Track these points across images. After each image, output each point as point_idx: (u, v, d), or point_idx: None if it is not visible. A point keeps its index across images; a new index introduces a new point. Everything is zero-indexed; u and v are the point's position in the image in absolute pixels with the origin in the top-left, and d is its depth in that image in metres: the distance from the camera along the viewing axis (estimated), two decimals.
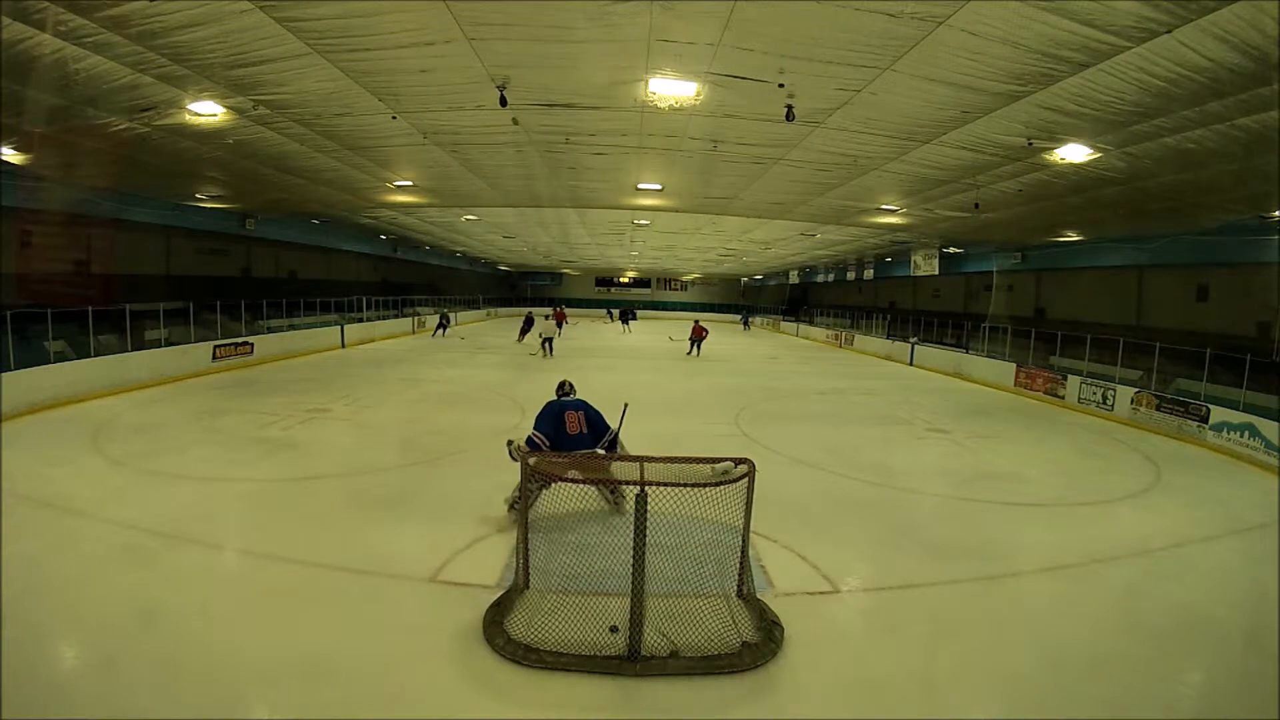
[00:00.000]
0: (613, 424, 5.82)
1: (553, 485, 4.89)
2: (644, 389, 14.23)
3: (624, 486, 5.03)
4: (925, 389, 16.82)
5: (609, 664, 3.79)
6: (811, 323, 35.23)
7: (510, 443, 5.57)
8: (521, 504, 4.54)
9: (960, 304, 24.08)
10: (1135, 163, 8.51)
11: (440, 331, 25.69)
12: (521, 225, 21.56)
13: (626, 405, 5.88)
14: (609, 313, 44.36)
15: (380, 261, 29.16)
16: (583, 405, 5.68)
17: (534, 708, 3.49)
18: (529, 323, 25.26)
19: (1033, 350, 16.91)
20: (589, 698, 3.58)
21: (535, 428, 5.56)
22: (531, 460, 4.59)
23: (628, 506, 5.13)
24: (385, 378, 15.13)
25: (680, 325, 36.41)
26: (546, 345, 20.13)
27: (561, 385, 6.14)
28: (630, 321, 34.84)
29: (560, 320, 26.32)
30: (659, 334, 31.25)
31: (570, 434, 5.44)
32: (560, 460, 5.04)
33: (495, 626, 4.06)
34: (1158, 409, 12.04)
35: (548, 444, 5.38)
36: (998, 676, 3.97)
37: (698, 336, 22.40)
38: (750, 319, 43.43)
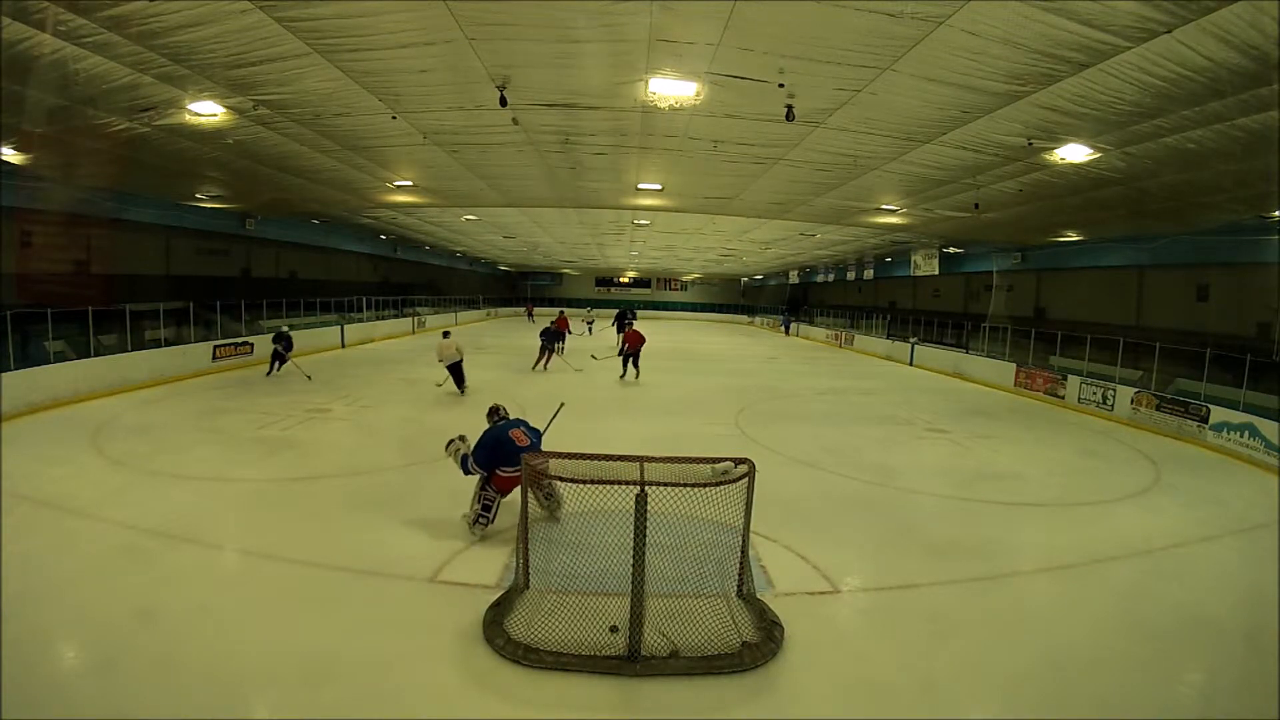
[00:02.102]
0: (547, 428, 6.34)
1: (510, 494, 5.49)
2: (644, 389, 14.23)
3: (560, 496, 5.67)
4: (925, 389, 16.82)
5: (609, 664, 3.79)
6: (812, 323, 34.85)
7: (451, 443, 6.00)
8: (522, 505, 4.54)
9: (960, 304, 24.06)
10: (1135, 163, 8.51)
11: (275, 366, 14.30)
12: (521, 225, 21.56)
13: (562, 405, 6.89)
14: (590, 313, 37.36)
15: (380, 261, 29.16)
16: (520, 422, 5.97)
17: (534, 708, 3.49)
18: (551, 338, 17.70)
19: (1033, 350, 16.91)
20: (589, 698, 3.58)
21: (475, 457, 5.68)
22: (535, 462, 4.62)
23: (561, 513, 5.72)
24: (385, 378, 15.12)
25: (668, 328, 32.75)
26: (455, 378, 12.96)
27: (496, 410, 6.25)
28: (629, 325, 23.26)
29: (563, 329, 19.81)
30: (659, 335, 30.68)
31: (520, 446, 5.62)
32: (514, 475, 5.37)
33: (495, 626, 4.06)
34: (1158, 409, 12.04)
35: (484, 473, 5.63)
36: (998, 676, 3.97)
37: (633, 349, 15.81)
38: (792, 321, 36.50)
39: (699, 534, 4.38)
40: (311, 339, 19.55)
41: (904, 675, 3.91)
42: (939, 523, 6.57)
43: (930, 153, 9.05)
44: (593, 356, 19.89)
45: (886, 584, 5.14)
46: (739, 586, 4.50)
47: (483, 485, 5.66)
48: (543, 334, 17.63)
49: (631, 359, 15.88)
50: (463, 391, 12.55)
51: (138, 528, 5.61)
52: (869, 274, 26.98)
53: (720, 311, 49.03)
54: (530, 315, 41.25)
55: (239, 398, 11.83)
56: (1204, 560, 5.98)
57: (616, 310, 29.58)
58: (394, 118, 8.39)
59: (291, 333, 14.82)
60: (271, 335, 14.74)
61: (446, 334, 13.34)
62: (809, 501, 7.01)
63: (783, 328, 37.21)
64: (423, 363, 18.24)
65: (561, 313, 22.89)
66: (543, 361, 17.29)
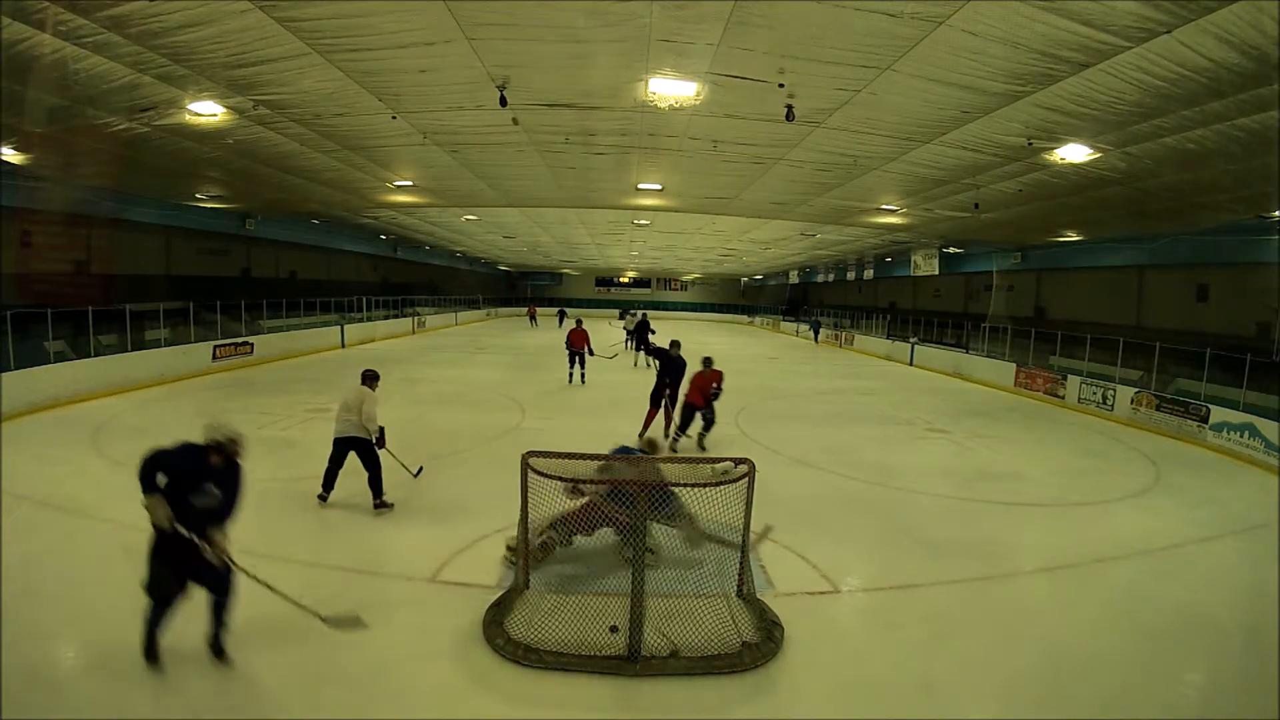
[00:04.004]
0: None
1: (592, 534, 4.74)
2: (645, 390, 14.20)
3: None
4: (925, 389, 16.81)
5: (609, 664, 3.79)
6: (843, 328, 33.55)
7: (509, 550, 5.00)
8: (522, 504, 4.53)
9: (960, 304, 24.07)
10: (1135, 163, 8.51)
11: None
12: (521, 225, 21.56)
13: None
14: (562, 313, 35.19)
15: (380, 261, 29.17)
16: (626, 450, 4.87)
17: (534, 708, 3.49)
18: (576, 353, 14.49)
19: (1033, 350, 16.91)
20: (589, 698, 3.58)
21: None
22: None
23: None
24: (385, 378, 14.95)
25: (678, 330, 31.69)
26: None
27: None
28: (643, 343, 16.98)
29: (581, 347, 14.64)
30: (659, 336, 30.10)
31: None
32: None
33: (495, 626, 4.06)
34: (1158, 409, 12.04)
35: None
36: (997, 676, 3.97)
37: (700, 399, 8.90)
38: (820, 326, 31.62)
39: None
40: (311, 339, 19.57)
41: (904, 675, 3.91)
42: (939, 523, 6.57)
43: (930, 153, 9.05)
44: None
45: (886, 584, 5.14)
46: (739, 586, 4.49)
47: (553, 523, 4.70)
48: (662, 367, 9.47)
49: (701, 413, 8.89)
50: (379, 501, 6.27)
51: (138, 528, 5.55)
52: (869, 274, 26.98)
53: (720, 311, 49.03)
54: (533, 318, 38.05)
55: (239, 398, 11.83)
56: (1204, 560, 5.97)
57: (624, 311, 24.00)
58: (394, 118, 8.39)
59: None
60: None
61: (371, 376, 6.68)
62: (809, 501, 7.00)
63: (812, 333, 31.71)
64: (423, 363, 18.27)
65: (579, 323, 15.49)
66: (673, 432, 9.13)
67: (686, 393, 9.00)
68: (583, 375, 14.65)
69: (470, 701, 3.51)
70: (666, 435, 9.10)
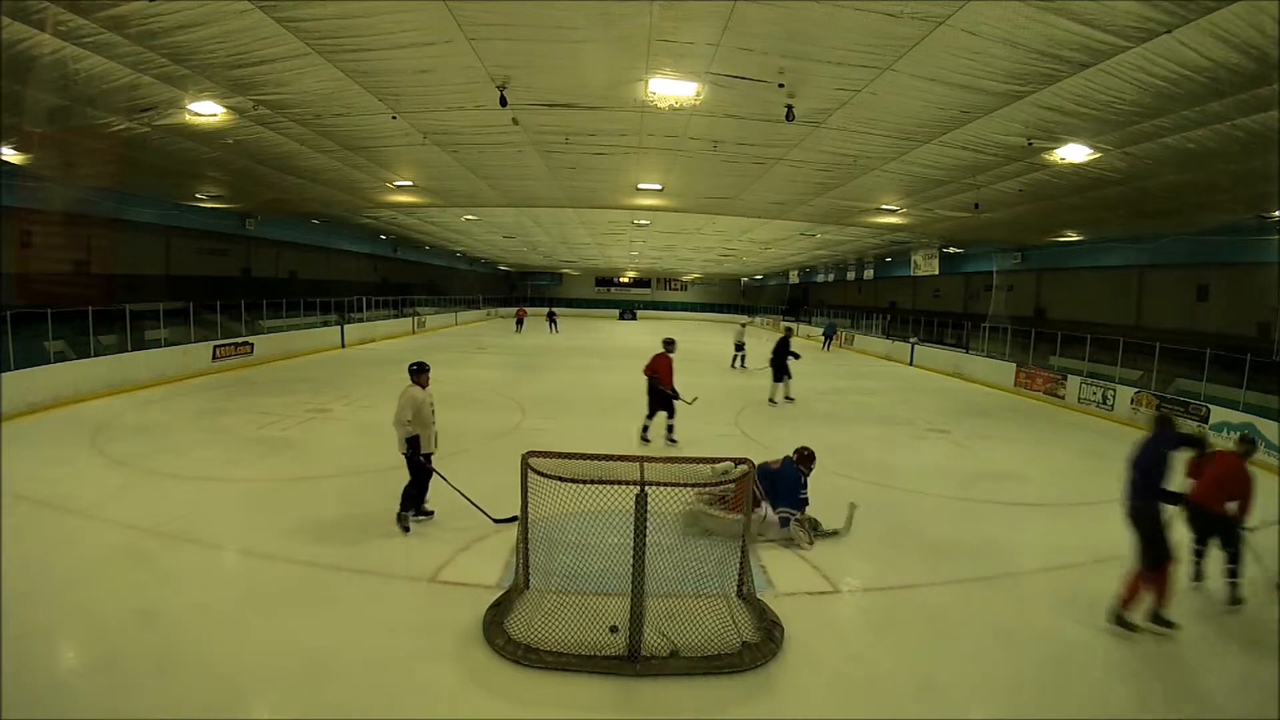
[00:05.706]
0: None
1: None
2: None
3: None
4: (925, 389, 16.81)
5: (609, 664, 3.79)
6: (811, 322, 34.55)
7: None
8: (522, 504, 4.53)
9: (960, 304, 24.06)
10: (1135, 163, 8.51)
11: None
12: (521, 225, 21.56)
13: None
14: (551, 315, 32.32)
15: (380, 261, 29.19)
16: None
17: (534, 708, 3.49)
18: (661, 393, 8.93)
19: (1033, 350, 16.91)
20: (589, 698, 3.58)
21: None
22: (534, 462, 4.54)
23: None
24: (385, 378, 15.08)
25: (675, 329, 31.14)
26: None
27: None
28: (784, 372, 13.91)
29: (668, 379, 8.90)
30: (660, 335, 30.13)
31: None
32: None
33: (495, 626, 4.06)
34: (1158, 409, 12.04)
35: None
36: (997, 676, 3.97)
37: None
38: (835, 330, 28.54)
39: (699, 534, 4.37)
40: (311, 339, 19.57)
41: (904, 675, 3.91)
42: (939, 523, 6.57)
43: (930, 153, 9.05)
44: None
45: (886, 584, 5.14)
46: (739, 586, 4.50)
47: None
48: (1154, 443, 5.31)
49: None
50: (401, 513, 5.74)
51: (138, 528, 5.61)
52: (869, 274, 26.97)
53: (720, 311, 49.02)
54: (520, 323, 31.50)
55: (239, 398, 11.83)
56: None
57: (624, 312, 22.99)
58: (394, 118, 8.39)
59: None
60: None
61: (414, 370, 6.21)
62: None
63: (823, 339, 28.16)
64: None
65: (670, 346, 9.52)
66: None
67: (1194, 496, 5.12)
68: (670, 429, 8.81)
69: (470, 701, 3.51)
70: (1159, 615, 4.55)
